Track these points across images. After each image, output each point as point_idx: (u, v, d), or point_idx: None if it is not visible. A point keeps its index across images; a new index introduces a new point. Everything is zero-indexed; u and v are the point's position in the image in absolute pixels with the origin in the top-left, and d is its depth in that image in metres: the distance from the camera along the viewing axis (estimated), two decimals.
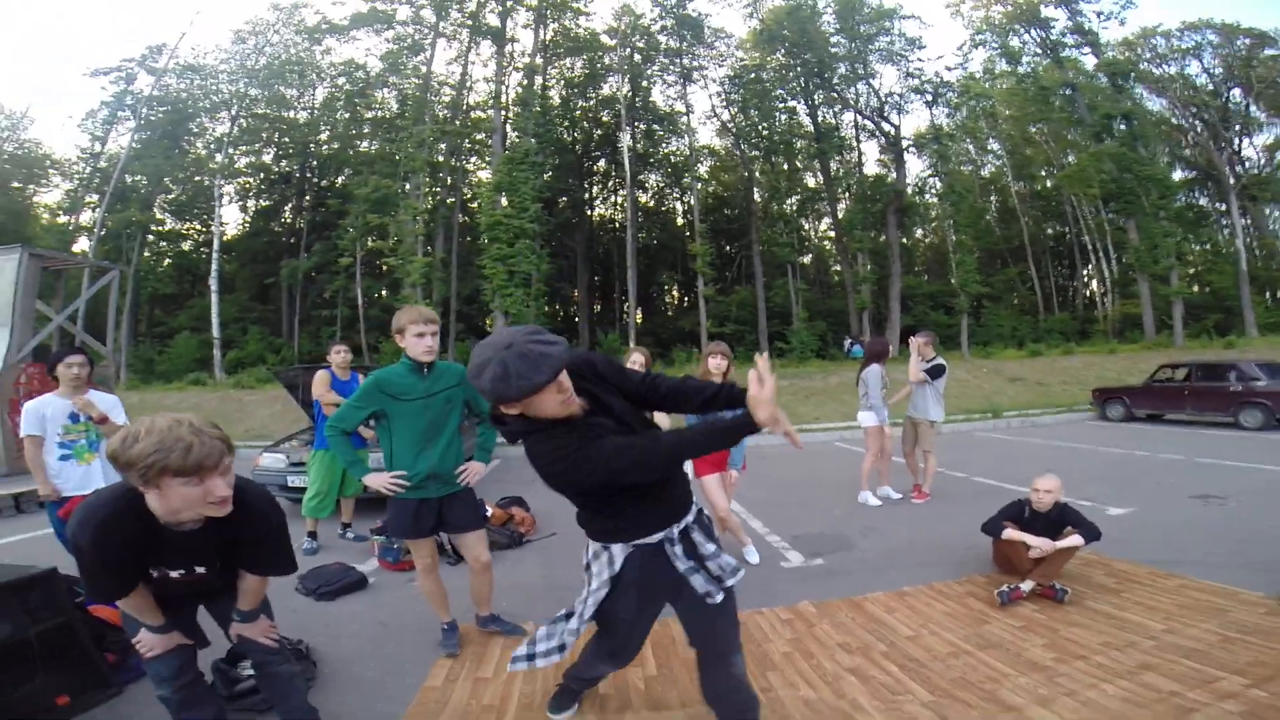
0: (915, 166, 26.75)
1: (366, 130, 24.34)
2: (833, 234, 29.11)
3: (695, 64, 23.92)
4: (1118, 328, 24.22)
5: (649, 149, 26.60)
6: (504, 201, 18.59)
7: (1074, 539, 3.34)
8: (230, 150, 24.03)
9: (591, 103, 25.52)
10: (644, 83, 24.20)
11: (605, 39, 23.42)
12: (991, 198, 32.80)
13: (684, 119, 24.08)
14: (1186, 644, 2.61)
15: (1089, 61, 24.08)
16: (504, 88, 21.14)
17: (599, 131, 25.81)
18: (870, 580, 3.73)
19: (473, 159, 24.57)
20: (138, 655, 2.68)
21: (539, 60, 22.26)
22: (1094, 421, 11.85)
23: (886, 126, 24.68)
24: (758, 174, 25.84)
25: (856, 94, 24.40)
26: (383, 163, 21.15)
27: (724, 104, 25.69)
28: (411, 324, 2.68)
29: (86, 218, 23.54)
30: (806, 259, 32.62)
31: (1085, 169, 22.28)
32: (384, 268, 23.33)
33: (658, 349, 24.15)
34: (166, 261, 26.21)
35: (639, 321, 29.21)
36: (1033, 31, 24.57)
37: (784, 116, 23.91)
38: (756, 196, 26.33)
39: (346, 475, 4.87)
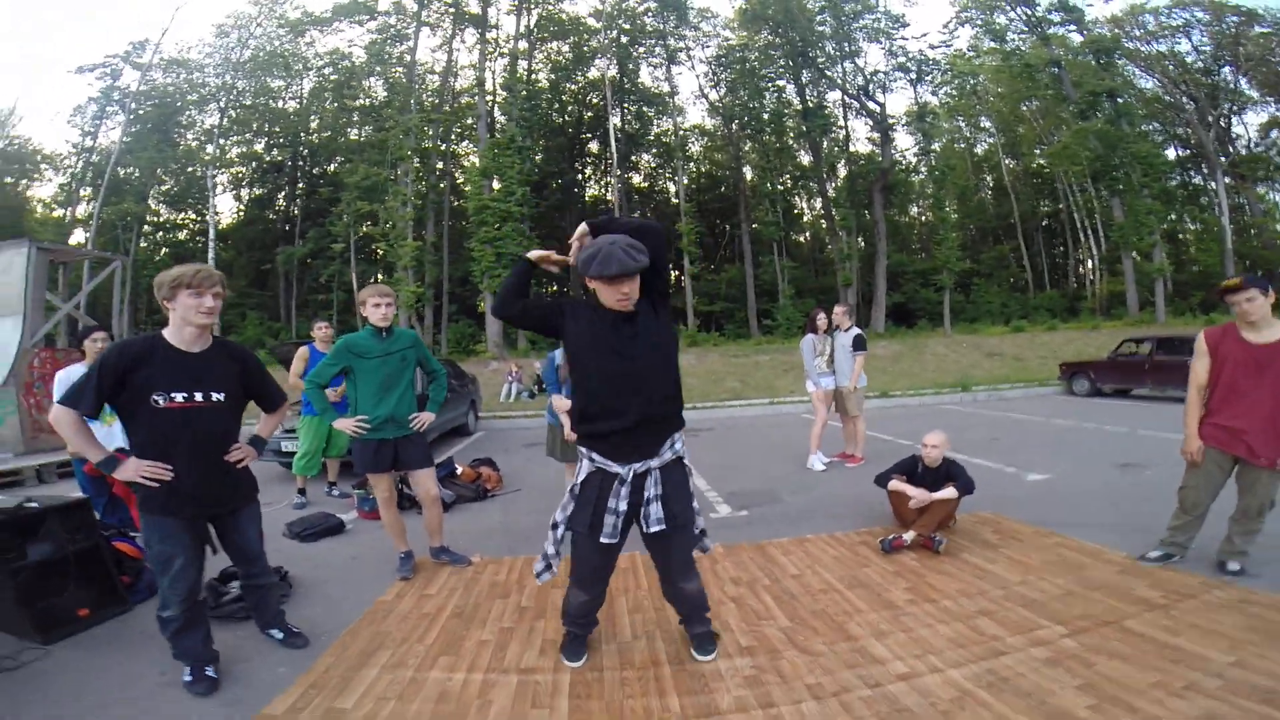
0: (906, 144, 26.89)
1: (355, 119, 24.56)
2: (823, 212, 29.29)
3: (681, 45, 23.97)
4: (1105, 305, 24.52)
5: (639, 130, 26.72)
6: (495, 186, 18.94)
7: (949, 491, 3.78)
8: (221, 141, 24.30)
9: (580, 85, 25.61)
10: (631, 65, 24.27)
11: (591, 21, 23.46)
12: (986, 175, 32.84)
13: (671, 100, 24.18)
14: (1031, 595, 2.89)
15: (1075, 39, 24.03)
16: (488, 74, 21.30)
17: (589, 114, 25.96)
18: (784, 530, 4.21)
19: (463, 144, 24.80)
20: (148, 578, 3.25)
21: (524, 45, 22.34)
22: (1060, 396, 12.28)
23: (872, 105, 24.75)
24: (748, 152, 26.00)
25: (843, 72, 24.44)
26: (372, 150, 21.43)
27: (711, 84, 25.78)
28: (370, 297, 3.39)
29: (82, 210, 23.94)
30: (804, 237, 32.87)
31: (1071, 146, 22.39)
32: (378, 253, 23.75)
33: None
34: (164, 251, 26.66)
35: None
36: (1019, 9, 24.46)
37: (772, 96, 23.99)
38: (748, 175, 26.54)
39: (332, 437, 5.45)
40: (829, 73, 24.27)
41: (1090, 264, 28.47)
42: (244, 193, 28.31)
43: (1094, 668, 2.22)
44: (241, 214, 28.55)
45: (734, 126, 25.44)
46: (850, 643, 2.53)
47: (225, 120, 24.43)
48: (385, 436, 3.38)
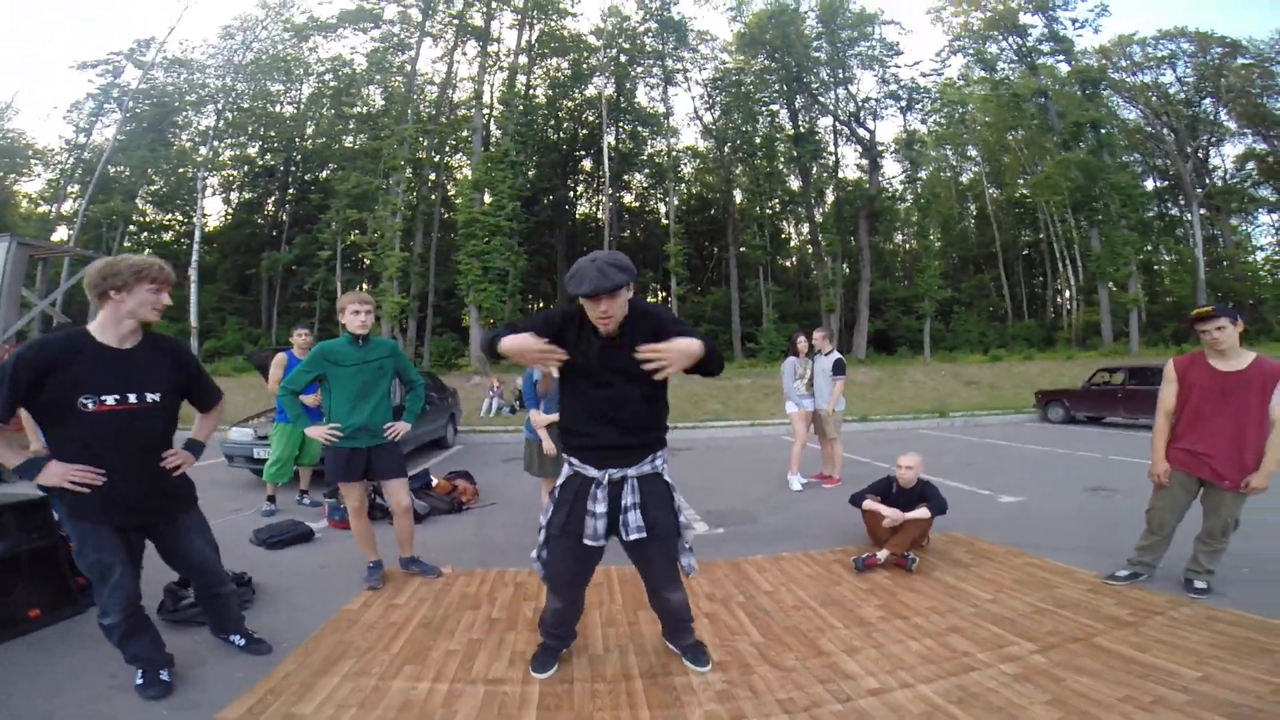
0: (893, 171, 27.50)
1: (351, 126, 24.58)
2: (809, 237, 29.76)
3: (679, 66, 24.40)
4: (1081, 335, 25.03)
5: (633, 149, 27.04)
6: (487, 199, 18.98)
7: (921, 511, 3.80)
8: (216, 143, 24.16)
9: (576, 102, 25.92)
10: (629, 84, 24.64)
11: (591, 39, 23.83)
12: (970, 205, 33.58)
13: (666, 120, 24.55)
14: (1002, 613, 2.91)
15: (1064, 69, 24.72)
16: (487, 87, 21.50)
17: (584, 131, 26.23)
18: (760, 548, 4.19)
19: (457, 156, 24.91)
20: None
21: (523, 60, 22.61)
22: (1035, 423, 12.48)
23: (862, 131, 25.33)
24: (738, 176, 26.40)
25: (836, 99, 25.01)
26: (365, 159, 21.44)
27: (706, 106, 26.22)
28: (349, 304, 3.34)
29: (68, 207, 23.60)
30: (790, 262, 33.31)
31: (1053, 176, 22.98)
32: (365, 262, 23.64)
33: None
34: (147, 251, 26.26)
35: None
36: (1010, 39, 25.15)
37: (765, 120, 24.45)
38: (738, 198, 26.90)
39: (305, 445, 5.33)
40: (822, 98, 24.83)
41: (1068, 294, 29.11)
42: (233, 196, 28.11)
43: (1063, 683, 2.23)
44: (229, 217, 28.30)
45: (726, 149, 25.84)
46: (822, 658, 2.53)
47: (221, 122, 24.32)
48: (359, 445, 3.33)
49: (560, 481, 2.26)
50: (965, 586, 3.33)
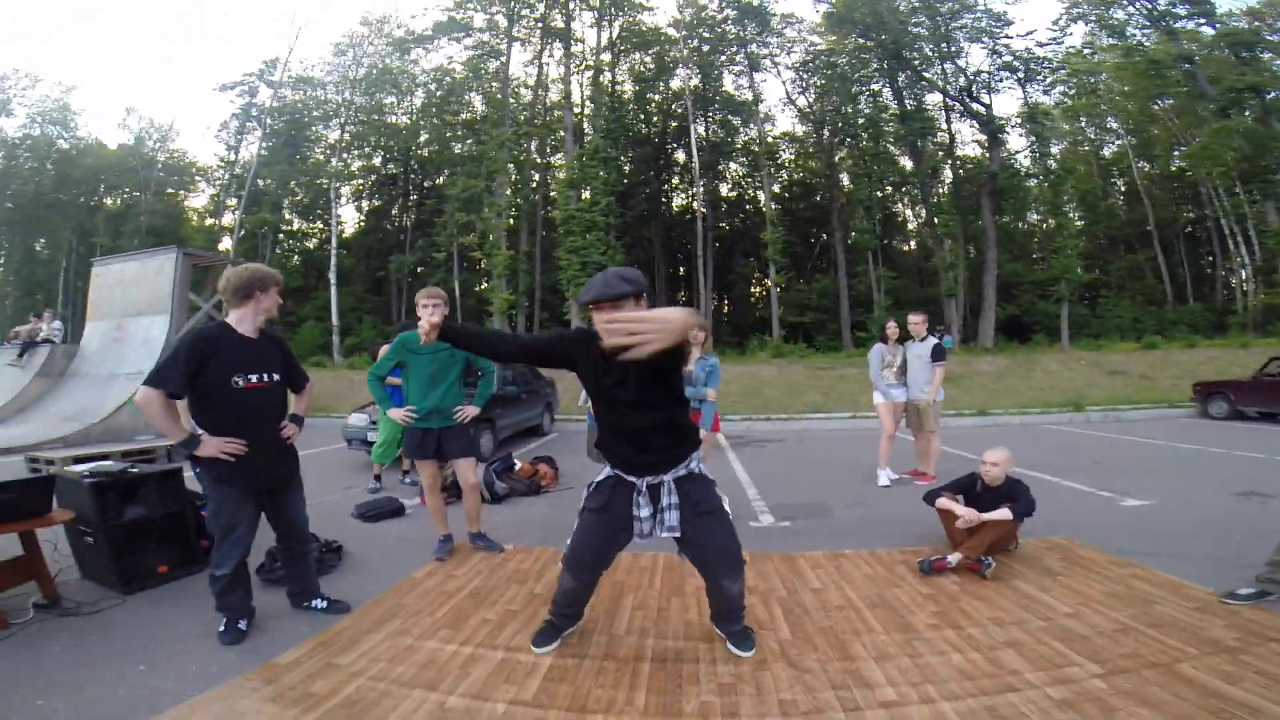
0: (1019, 146, 24.84)
1: (458, 133, 26.01)
2: (923, 219, 27.66)
3: (764, 52, 23.60)
4: (1259, 320, 21.22)
5: (724, 138, 26.56)
6: (585, 195, 19.51)
7: (1001, 512, 3.44)
8: (344, 155, 26.72)
9: (664, 95, 25.87)
10: (714, 73, 24.19)
11: (670, 32, 23.65)
12: (1115, 179, 29.59)
13: (756, 107, 23.86)
14: (1076, 629, 2.59)
15: (1207, 32, 21.23)
16: (574, 86, 22.01)
17: (673, 123, 26.12)
18: (825, 543, 3.99)
19: (556, 156, 25.80)
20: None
21: (606, 57, 22.84)
22: (1191, 418, 10.80)
23: (977, 106, 23.09)
24: (843, 159, 25.10)
25: (944, 74, 22.97)
26: (471, 163, 22.78)
27: (799, 90, 25.15)
28: (421, 299, 3.59)
29: (228, 219, 27.18)
30: (908, 245, 31.23)
31: (1211, 146, 19.81)
32: (481, 262, 25.20)
33: (736, 338, 24.28)
34: (296, 258, 29.71)
35: (726, 311, 29.41)
36: (1137, 2, 21.90)
37: (867, 99, 23.02)
38: (846, 181, 25.56)
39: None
40: (927, 74, 22.95)
41: (1243, 274, 24.75)
42: (364, 204, 31.05)
43: (1114, 714, 1.94)
44: (361, 224, 31.31)
45: (826, 132, 24.64)
46: (846, 663, 2.37)
47: (346, 135, 26.79)
48: (430, 426, 3.63)
49: (600, 478, 2.34)
50: (1044, 597, 2.97)
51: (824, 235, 29.11)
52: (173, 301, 10.56)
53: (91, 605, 2.98)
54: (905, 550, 3.78)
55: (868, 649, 2.48)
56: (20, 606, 2.89)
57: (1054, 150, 23.14)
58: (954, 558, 3.35)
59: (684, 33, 23.01)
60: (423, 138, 27.57)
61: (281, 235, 29.01)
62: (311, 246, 30.41)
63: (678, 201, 29.38)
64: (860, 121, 22.93)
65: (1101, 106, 25.44)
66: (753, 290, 33.11)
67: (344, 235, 28.84)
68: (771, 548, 3.91)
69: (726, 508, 2.30)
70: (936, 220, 22.87)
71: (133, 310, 10.90)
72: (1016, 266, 25.17)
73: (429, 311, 3.57)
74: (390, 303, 28.31)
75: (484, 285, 25.91)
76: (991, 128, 22.69)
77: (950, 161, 24.65)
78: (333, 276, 24.22)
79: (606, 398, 2.18)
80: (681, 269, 30.73)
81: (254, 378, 2.60)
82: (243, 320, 2.67)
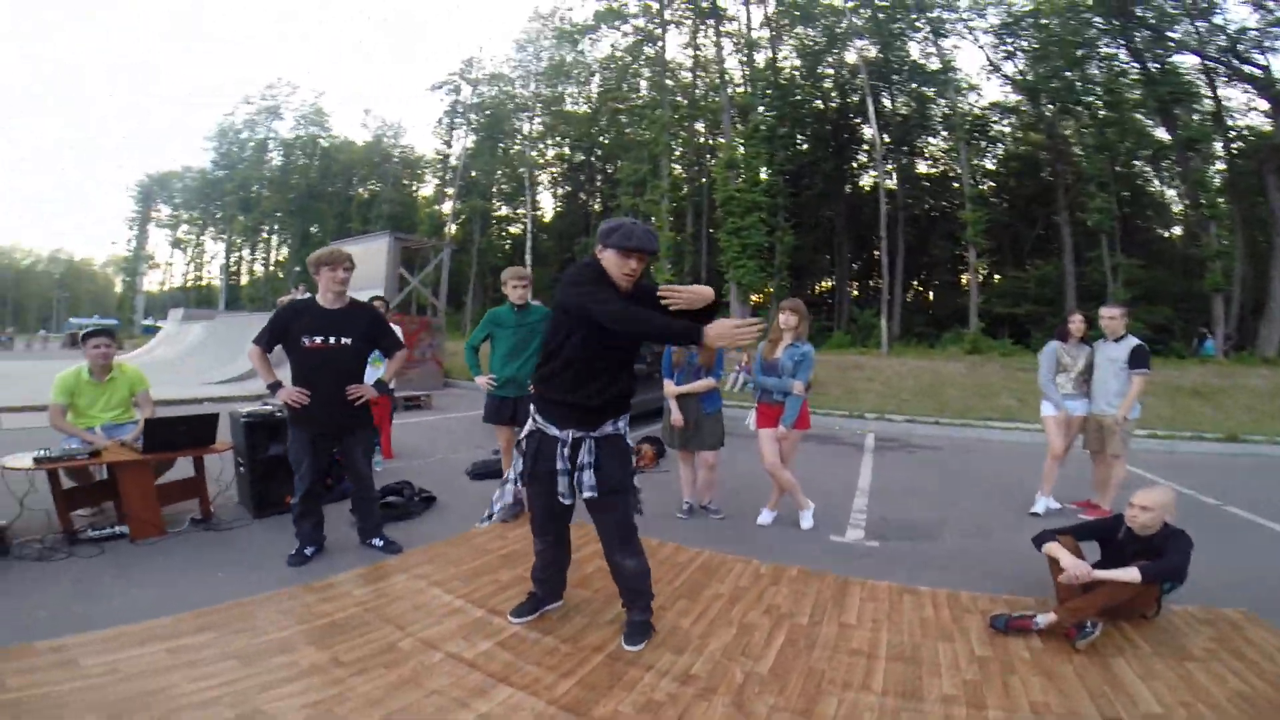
0: None
1: (625, 120, 26.50)
2: (1187, 200, 21.91)
3: (951, 16, 20.42)
4: None
5: (915, 111, 23.68)
6: (743, 176, 18.91)
7: (1127, 573, 2.66)
8: (539, 145, 29.07)
9: (839, 69, 23.74)
10: (897, 42, 21.57)
11: (836, 2, 21.52)
12: None
13: (946, 76, 20.88)
14: None
15: None
16: (734, 65, 21.30)
17: (853, 98, 23.87)
18: (904, 574, 3.42)
19: (718, 137, 25.31)
20: (345, 487, 4.23)
21: (765, 34, 21.65)
22: None
23: (1249, 69, 17.52)
24: (1073, 131, 20.94)
25: (1198, 32, 17.73)
26: (639, 147, 23.37)
27: (1003, 55, 21.35)
28: (509, 279, 4.01)
29: (447, 207, 31.35)
30: (1167, 230, 25.32)
31: None
32: None
33: (931, 327, 21.94)
34: (508, 244, 33.35)
35: (928, 299, 26.71)
36: None
37: (1096, 64, 18.82)
38: (1079, 154, 21.29)
39: None
40: (1171, 34, 17.95)
41: None
42: (558, 190, 33.75)
43: None
44: (559, 209, 34.10)
45: (1045, 101, 20.70)
46: (800, 718, 2.04)
47: (538, 126, 29.10)
48: (507, 395, 3.96)
49: (524, 434, 2.40)
50: (1140, 687, 2.25)
51: (1052, 217, 24.60)
52: (386, 278, 12.69)
53: (227, 524, 3.79)
54: (1000, 597, 3.11)
55: (838, 709, 2.09)
56: (179, 519, 3.78)
57: None
58: (1044, 618, 2.66)
59: (853, 2, 20.89)
60: (602, 123, 28.79)
61: (493, 221, 32.72)
62: (516, 231, 33.95)
63: (866, 180, 27.00)
64: (1090, 87, 18.83)
65: None
66: (963, 278, 29.25)
67: (543, 220, 31.68)
68: (838, 567, 3.47)
69: (636, 483, 2.41)
70: (1202, 201, 18.01)
71: (358, 286, 13.25)
72: None
73: (517, 290, 3.91)
74: None
75: (653, 268, 26.65)
76: (1273, 92, 17.17)
77: (1221, 133, 19.13)
78: (528, 258, 26.82)
79: (604, 335, 2.15)
80: (875, 251, 28.29)
81: (319, 339, 3.09)
82: (321, 293, 3.20)
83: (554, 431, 2.28)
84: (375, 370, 5.28)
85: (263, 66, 67.85)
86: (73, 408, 3.83)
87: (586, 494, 2.25)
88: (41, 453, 3.33)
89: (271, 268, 39.29)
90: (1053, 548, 2.94)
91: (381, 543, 3.42)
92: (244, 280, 40.78)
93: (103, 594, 2.76)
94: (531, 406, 2.39)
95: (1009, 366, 14.97)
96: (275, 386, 3.15)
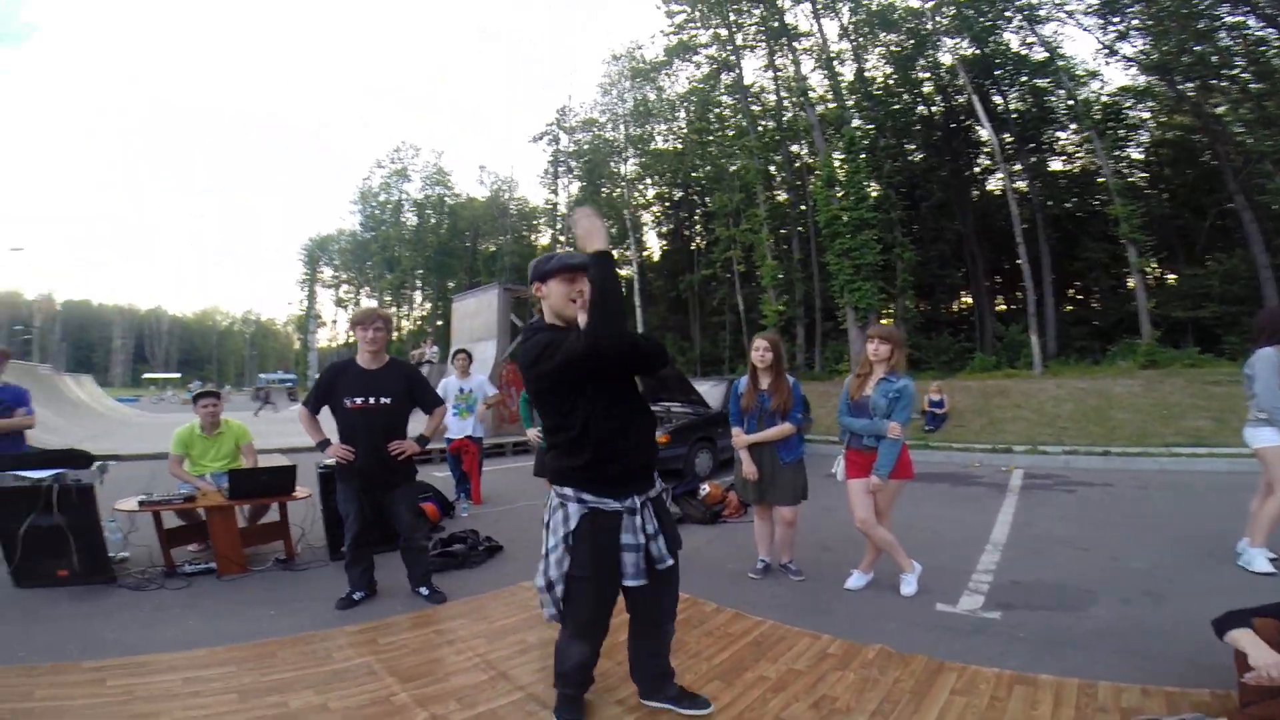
0: None
1: (715, 150, 26.18)
2: None
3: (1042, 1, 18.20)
4: None
5: (1031, 106, 21.26)
6: (860, 190, 17.87)
7: None
8: (639, 185, 29.76)
9: (939, 71, 21.94)
10: (993, 36, 19.58)
11: (913, 2, 20.04)
12: None
13: (1057, 64, 18.57)
14: None
15: None
16: (816, 81, 20.44)
17: (959, 99, 21.86)
18: (1027, 654, 2.67)
19: (814, 157, 24.29)
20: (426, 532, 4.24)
21: (845, 45, 20.63)
22: None
23: None
24: (1227, 109, 17.73)
25: None
26: (731, 177, 23.00)
27: (1115, 36, 18.57)
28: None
29: None
30: None
31: None
32: (758, 274, 25.29)
33: (1095, 340, 19.23)
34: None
35: (1089, 308, 23.70)
36: None
37: (1231, 33, 15.80)
38: (1239, 131, 17.88)
39: None
40: None
41: None
42: (663, 229, 34.33)
43: None
44: (665, 247, 34.60)
45: (1180, 80, 17.69)
46: None
47: (633, 167, 29.73)
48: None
49: (573, 526, 1.93)
50: None
51: (1228, 205, 20.68)
52: (497, 328, 13.31)
53: (304, 565, 4.03)
54: (1160, 690, 2.30)
55: None
56: (266, 558, 4.09)
57: None
58: None
59: (932, 2, 19.28)
60: (694, 158, 28.80)
61: None
62: (625, 274, 34.82)
63: (992, 185, 24.52)
64: (1224, 60, 15.79)
65: None
66: (1129, 282, 25.29)
67: (651, 259, 32.30)
68: (938, 646, 2.74)
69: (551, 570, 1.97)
70: None
71: (476, 336, 14.03)
72: None
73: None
74: (687, 319, 30.54)
75: (764, 298, 25.90)
76: None
77: None
78: (637, 299, 27.30)
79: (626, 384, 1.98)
80: (1016, 260, 25.35)
81: (359, 400, 3.19)
82: (360, 352, 3.32)
83: (614, 505, 1.91)
84: (463, 422, 5.52)
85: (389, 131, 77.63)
86: (188, 458, 4.29)
87: (663, 566, 1.96)
88: (144, 497, 3.72)
89: (418, 323, 43.28)
90: (1238, 635, 2.13)
91: (427, 591, 3.42)
92: (396, 335, 45.54)
93: (169, 622, 3.02)
94: (560, 496, 1.98)
95: (1196, 380, 12.26)
96: (324, 444, 3.30)
